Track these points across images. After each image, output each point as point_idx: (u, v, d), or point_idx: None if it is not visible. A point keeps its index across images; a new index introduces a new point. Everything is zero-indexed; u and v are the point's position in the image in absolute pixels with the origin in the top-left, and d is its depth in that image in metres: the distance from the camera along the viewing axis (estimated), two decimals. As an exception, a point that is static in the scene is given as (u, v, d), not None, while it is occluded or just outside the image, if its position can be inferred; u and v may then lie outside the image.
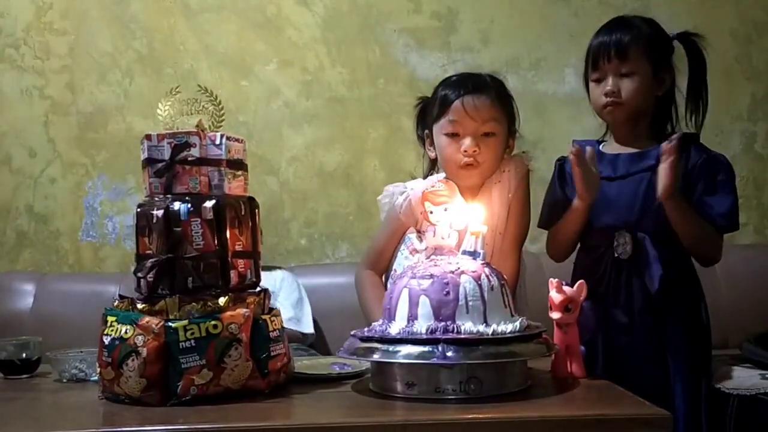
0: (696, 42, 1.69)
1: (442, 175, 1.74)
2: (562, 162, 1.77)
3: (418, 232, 1.71)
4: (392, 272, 1.70)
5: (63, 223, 2.80)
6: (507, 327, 1.28)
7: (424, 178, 1.77)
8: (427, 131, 1.76)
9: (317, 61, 2.82)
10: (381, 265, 1.75)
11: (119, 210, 2.79)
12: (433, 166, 1.80)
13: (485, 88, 1.69)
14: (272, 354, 1.35)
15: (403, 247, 1.70)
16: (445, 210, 1.67)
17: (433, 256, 1.41)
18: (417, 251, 1.67)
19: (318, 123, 2.82)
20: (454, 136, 1.66)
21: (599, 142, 1.76)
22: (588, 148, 1.60)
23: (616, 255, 1.63)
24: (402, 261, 1.67)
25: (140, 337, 1.29)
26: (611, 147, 1.73)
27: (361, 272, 1.77)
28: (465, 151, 1.64)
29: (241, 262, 1.38)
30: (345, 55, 2.82)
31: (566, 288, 1.39)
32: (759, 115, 2.84)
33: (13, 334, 1.85)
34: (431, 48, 2.82)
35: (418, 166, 1.88)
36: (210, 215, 1.33)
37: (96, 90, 2.81)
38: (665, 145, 1.52)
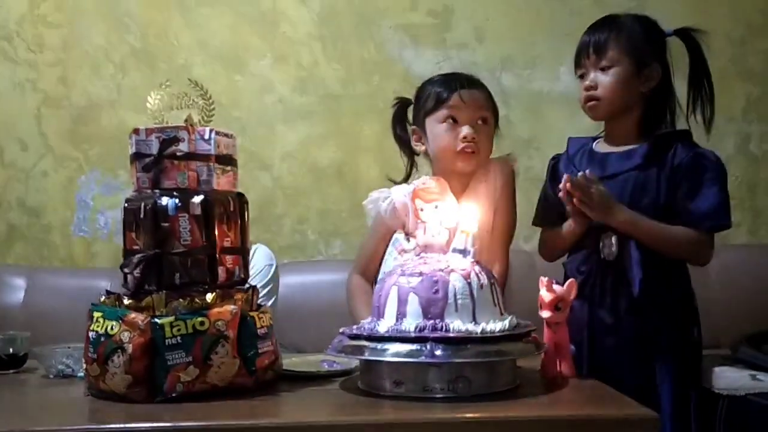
0: (694, 36, 1.68)
1: (427, 177, 1.74)
2: (555, 161, 1.77)
3: (406, 233, 1.71)
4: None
5: (55, 218, 2.79)
6: (496, 326, 1.27)
7: (407, 176, 1.81)
8: (414, 127, 1.79)
9: (312, 57, 2.81)
10: (372, 270, 1.77)
11: (111, 205, 2.77)
12: (414, 164, 1.83)
13: (476, 83, 1.76)
14: (260, 351, 1.34)
15: (391, 248, 1.72)
16: (436, 207, 1.67)
17: (422, 254, 1.40)
18: (405, 251, 1.68)
19: (312, 119, 2.81)
20: (453, 122, 1.69)
21: (594, 139, 1.75)
22: (577, 176, 1.57)
23: (602, 256, 1.62)
24: (391, 262, 1.68)
25: (126, 334, 1.28)
26: (603, 145, 1.72)
27: (351, 277, 1.80)
28: (465, 137, 1.68)
29: (229, 259, 1.37)
30: (340, 51, 2.81)
31: (556, 287, 1.38)
32: (753, 116, 2.83)
33: (3, 328, 1.84)
34: (426, 45, 2.81)
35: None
36: (198, 211, 1.32)
37: (89, 84, 2.80)
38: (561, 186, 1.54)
